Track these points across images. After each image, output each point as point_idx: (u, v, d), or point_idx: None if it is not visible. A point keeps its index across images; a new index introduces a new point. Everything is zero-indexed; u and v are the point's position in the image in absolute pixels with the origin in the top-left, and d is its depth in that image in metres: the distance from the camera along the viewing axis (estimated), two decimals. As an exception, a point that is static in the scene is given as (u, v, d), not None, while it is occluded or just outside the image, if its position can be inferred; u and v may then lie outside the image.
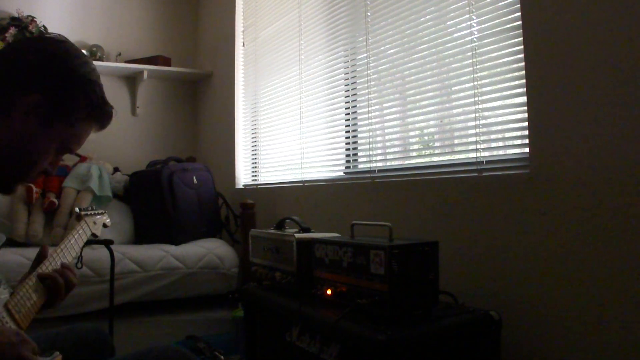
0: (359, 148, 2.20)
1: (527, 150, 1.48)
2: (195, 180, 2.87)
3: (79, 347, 1.18)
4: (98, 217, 1.37)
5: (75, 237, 1.19)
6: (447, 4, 1.75)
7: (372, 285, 1.26)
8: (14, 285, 0.97)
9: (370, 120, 2.10)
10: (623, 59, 1.23)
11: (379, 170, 2.06)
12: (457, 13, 1.72)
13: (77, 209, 1.34)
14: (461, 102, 1.71)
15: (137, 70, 3.54)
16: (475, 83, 1.64)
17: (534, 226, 1.43)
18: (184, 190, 2.78)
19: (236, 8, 3.31)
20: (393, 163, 2.04)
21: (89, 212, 1.34)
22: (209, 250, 2.64)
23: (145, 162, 3.20)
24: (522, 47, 1.47)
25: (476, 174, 1.62)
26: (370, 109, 2.09)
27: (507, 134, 1.60)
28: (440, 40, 1.78)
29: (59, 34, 1.01)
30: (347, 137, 2.27)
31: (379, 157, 2.08)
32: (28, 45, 0.96)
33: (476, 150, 1.64)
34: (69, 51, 0.97)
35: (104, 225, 1.40)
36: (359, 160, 2.21)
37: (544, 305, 1.40)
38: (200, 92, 3.89)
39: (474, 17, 1.64)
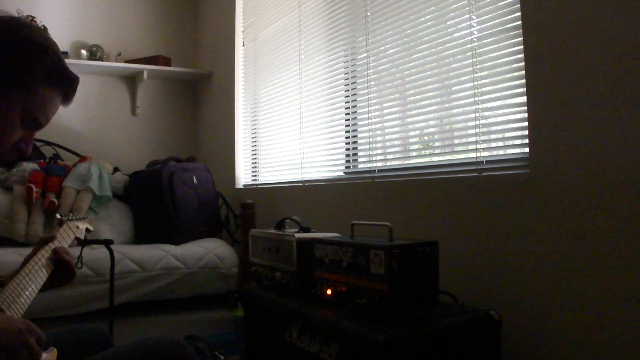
0: (359, 148, 2.20)
1: (527, 150, 1.48)
2: (195, 180, 2.87)
3: (80, 347, 1.18)
4: (80, 222, 1.41)
5: (59, 239, 1.21)
6: (447, 4, 1.75)
7: (372, 285, 1.26)
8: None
9: (370, 120, 2.10)
10: (623, 59, 1.23)
11: (379, 170, 2.06)
12: (457, 13, 1.72)
13: (58, 215, 1.39)
14: (461, 102, 1.71)
15: (137, 70, 3.54)
16: (475, 83, 1.64)
17: (534, 226, 1.43)
18: (184, 190, 2.78)
19: (236, 8, 3.31)
20: (393, 163, 2.04)
21: (70, 217, 1.37)
22: (209, 250, 2.64)
23: (145, 162, 3.21)
24: (522, 47, 1.47)
25: (476, 174, 1.62)
26: (370, 109, 2.09)
27: (507, 134, 1.60)
28: (440, 40, 1.78)
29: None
30: (347, 137, 2.27)
31: (379, 157, 2.08)
32: None
33: (476, 150, 1.64)
34: (19, 22, 0.95)
35: (87, 230, 1.44)
36: (359, 160, 2.21)
37: (544, 305, 1.39)
38: (200, 92, 3.89)
39: (474, 17, 1.64)
